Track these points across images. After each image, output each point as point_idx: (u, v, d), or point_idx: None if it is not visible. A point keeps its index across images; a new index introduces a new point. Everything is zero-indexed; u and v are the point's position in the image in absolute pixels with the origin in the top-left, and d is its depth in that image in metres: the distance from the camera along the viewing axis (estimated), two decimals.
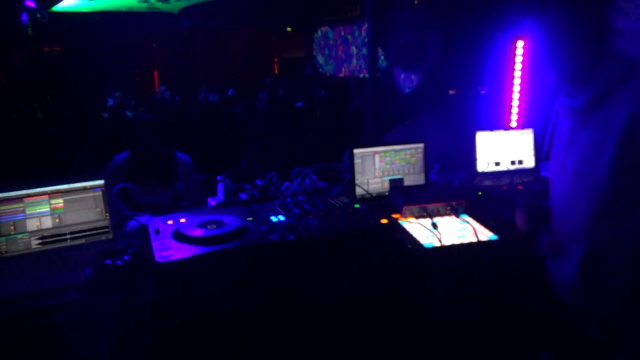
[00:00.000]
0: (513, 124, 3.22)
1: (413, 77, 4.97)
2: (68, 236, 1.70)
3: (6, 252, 1.62)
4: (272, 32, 12.65)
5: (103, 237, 1.74)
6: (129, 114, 7.25)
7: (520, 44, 3.24)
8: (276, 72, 12.75)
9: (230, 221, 1.66)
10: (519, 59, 3.25)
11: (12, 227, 1.64)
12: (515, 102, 3.27)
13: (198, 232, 1.56)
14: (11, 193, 1.66)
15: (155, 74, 12.36)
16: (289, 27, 11.67)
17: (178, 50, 11.90)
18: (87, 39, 10.55)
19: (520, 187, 2.02)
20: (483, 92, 4.63)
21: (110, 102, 8.35)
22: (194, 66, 12.17)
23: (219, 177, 2.04)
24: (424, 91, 4.33)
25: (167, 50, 12.16)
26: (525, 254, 1.58)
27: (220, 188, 2.02)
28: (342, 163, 2.39)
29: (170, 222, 1.72)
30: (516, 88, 3.27)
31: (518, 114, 3.21)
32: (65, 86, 9.16)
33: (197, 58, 12.37)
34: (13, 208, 1.66)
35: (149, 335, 1.40)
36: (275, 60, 12.94)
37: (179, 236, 1.57)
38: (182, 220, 1.72)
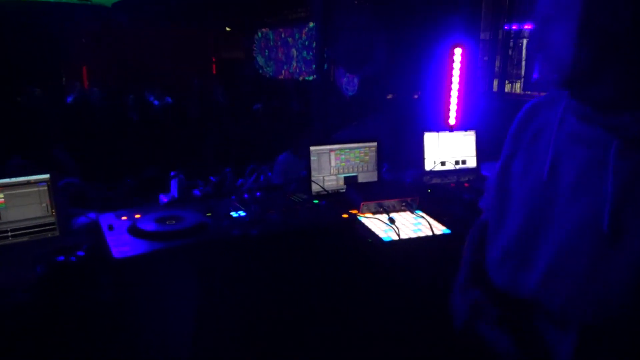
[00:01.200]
0: (451, 121, 3.39)
1: (355, 80, 5.09)
2: (10, 233, 1.58)
3: None
4: (210, 32, 12.41)
5: (49, 234, 1.63)
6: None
7: (458, 51, 3.43)
8: (214, 72, 12.52)
9: (190, 217, 1.62)
10: (456, 65, 3.45)
11: None
12: (453, 106, 3.46)
13: (157, 227, 1.51)
14: None
15: (84, 69, 11.71)
16: (228, 27, 11.51)
17: (109, 47, 11.35)
18: (9, 28, 9.80)
19: (466, 185, 2.13)
20: (416, 96, 4.85)
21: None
22: (125, 63, 11.65)
23: (172, 173, 1.98)
24: (367, 94, 4.45)
25: (97, 46, 11.56)
26: None
27: (174, 184, 1.96)
28: (274, 166, 2.38)
29: (124, 217, 1.66)
30: (454, 92, 3.46)
31: (456, 117, 3.39)
32: None
33: (129, 55, 11.85)
34: None
35: (108, 334, 1.33)
36: (214, 60, 12.71)
37: (136, 232, 1.51)
38: (137, 215, 1.66)
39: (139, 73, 10.81)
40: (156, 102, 7.01)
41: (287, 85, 8.78)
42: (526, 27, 4.89)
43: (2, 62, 9.09)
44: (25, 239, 1.60)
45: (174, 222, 1.57)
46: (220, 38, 12.53)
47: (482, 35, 4.58)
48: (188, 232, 1.52)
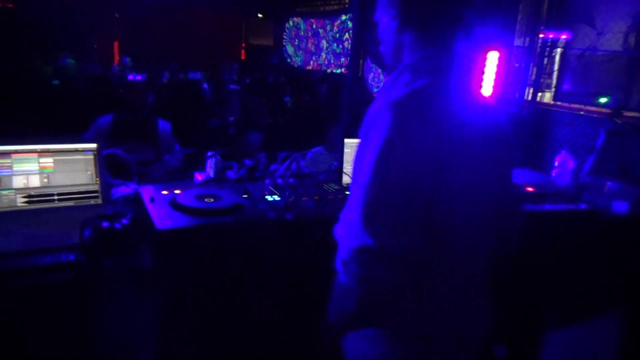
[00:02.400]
0: None
1: (381, 77, 5.09)
2: (56, 197, 1.66)
3: None
4: (242, 17, 12.46)
5: (92, 202, 1.71)
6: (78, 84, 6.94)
7: (492, 55, 3.42)
8: (242, 57, 12.59)
9: (227, 196, 1.68)
10: (490, 69, 3.43)
11: None
12: None
13: (197, 204, 1.57)
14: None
15: (116, 45, 11.86)
16: (260, 13, 11.55)
17: (141, 24, 11.47)
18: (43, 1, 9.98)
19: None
20: None
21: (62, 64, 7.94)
22: (157, 42, 11.77)
23: (209, 153, 2.04)
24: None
25: (129, 22, 11.69)
26: None
27: (210, 164, 2.02)
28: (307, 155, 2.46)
29: (165, 192, 1.72)
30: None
31: None
32: (17, 47, 8.63)
33: (161, 34, 11.98)
34: (0, 163, 1.59)
35: (145, 299, 1.40)
36: (243, 45, 12.77)
37: (177, 206, 1.57)
38: (177, 191, 1.72)
39: (169, 52, 10.92)
40: (205, 86, 7.08)
41: (315, 77, 8.80)
42: (562, 36, 4.83)
43: (40, 36, 9.29)
44: (70, 203, 1.68)
45: (212, 200, 1.63)
46: (251, 24, 12.57)
47: (516, 42, 4.54)
48: (226, 210, 1.57)
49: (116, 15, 12.04)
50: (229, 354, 1.59)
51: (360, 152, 1.00)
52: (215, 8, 11.57)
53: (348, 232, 0.96)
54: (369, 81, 5.21)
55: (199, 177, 2.05)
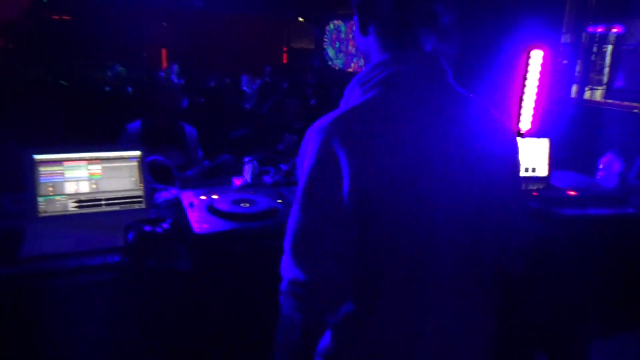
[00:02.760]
0: (523, 130, 3.30)
1: None
2: (103, 202, 1.76)
3: (45, 212, 1.68)
4: (283, 21, 12.63)
5: (136, 206, 1.80)
6: (129, 89, 7.26)
7: (536, 53, 3.32)
8: (284, 61, 12.77)
9: (262, 201, 1.73)
10: (533, 68, 3.34)
11: (50, 189, 1.70)
12: (526, 111, 3.36)
13: (232, 209, 1.63)
14: (52, 155, 1.71)
15: (163, 52, 12.32)
16: (301, 17, 11.67)
17: (187, 31, 11.86)
18: (97, 11, 10.49)
19: (535, 194, 2.10)
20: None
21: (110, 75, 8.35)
22: (201, 48, 12.13)
23: (246, 158, 2.10)
24: None
25: (176, 30, 12.11)
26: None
27: (247, 169, 2.08)
28: None
29: (203, 197, 1.79)
30: (529, 97, 3.36)
31: (532, 122, 3.29)
32: (72, 55, 9.11)
33: (205, 40, 12.32)
34: (53, 170, 1.71)
35: (182, 301, 1.47)
36: (285, 49, 12.95)
37: (214, 211, 1.63)
38: (215, 196, 1.79)
39: (214, 57, 11.23)
40: (245, 89, 7.27)
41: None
42: (613, 30, 4.63)
43: (88, 42, 9.76)
44: (116, 208, 1.78)
45: (248, 205, 1.69)
46: (292, 27, 12.73)
47: (562, 38, 4.38)
48: (261, 215, 1.62)
49: (164, 24, 12.51)
50: (263, 356, 1.64)
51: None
52: (257, 13, 11.81)
53: (285, 262, 0.92)
54: None
55: (236, 182, 2.12)
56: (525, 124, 3.33)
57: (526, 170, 2.45)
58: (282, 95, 5.55)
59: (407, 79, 0.91)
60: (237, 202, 1.69)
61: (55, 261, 1.41)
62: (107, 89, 7.22)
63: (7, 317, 1.30)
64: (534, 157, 2.48)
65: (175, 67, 9.22)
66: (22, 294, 1.33)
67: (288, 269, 0.90)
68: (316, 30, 11.41)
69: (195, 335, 1.50)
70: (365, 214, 0.85)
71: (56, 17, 11.25)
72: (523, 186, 2.26)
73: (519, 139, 2.44)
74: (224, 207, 1.63)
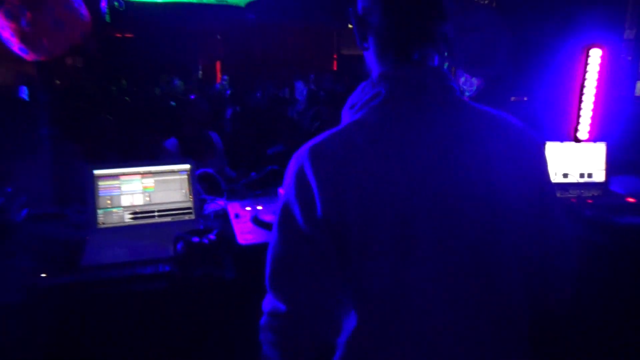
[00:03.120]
0: (582, 135, 3.15)
1: (474, 80, 4.92)
2: (156, 214, 1.86)
3: (103, 223, 1.79)
4: (332, 28, 12.73)
5: (186, 217, 1.89)
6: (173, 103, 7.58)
7: (595, 52, 3.17)
8: (335, 68, 12.85)
9: None
10: (592, 68, 3.18)
11: (109, 201, 1.82)
12: (586, 113, 3.20)
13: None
14: (110, 170, 1.83)
15: (218, 64, 12.75)
16: (351, 24, 11.71)
17: (241, 43, 12.21)
18: (157, 28, 11.02)
19: (590, 201, 2.00)
20: (525, 99, 4.54)
21: (165, 87, 8.77)
22: (254, 58, 12.45)
23: None
24: (486, 96, 4.30)
25: (230, 42, 12.50)
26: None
27: None
28: None
29: (248, 208, 1.85)
30: (587, 99, 3.20)
31: (590, 125, 3.14)
32: (135, 72, 9.64)
33: (258, 51, 12.64)
34: (111, 184, 1.83)
35: (227, 310, 1.52)
36: (335, 56, 13.04)
37: (258, 222, 1.68)
38: (259, 207, 1.84)
39: (266, 68, 11.50)
40: (299, 97, 7.41)
41: None
42: None
43: (149, 58, 10.28)
44: (168, 219, 1.87)
45: None
46: (342, 35, 12.80)
47: (625, 34, 4.14)
48: None
49: (218, 36, 12.96)
50: None
51: None
52: (307, 22, 11.97)
53: (266, 295, 0.88)
54: (460, 85, 5.07)
55: (282, 192, 2.17)
56: (583, 128, 3.18)
57: (581, 176, 2.34)
58: (320, 103, 5.60)
59: (399, 97, 0.86)
60: None
61: (111, 270, 1.51)
62: (173, 103, 7.48)
63: (67, 322, 1.41)
64: (589, 161, 2.36)
65: (226, 79, 9.52)
66: (81, 300, 1.43)
67: (267, 301, 0.88)
68: None
69: (240, 344, 1.55)
70: (344, 241, 0.81)
71: (119, 35, 11.93)
72: (575, 194, 2.16)
73: (572, 144, 2.33)
74: (267, 218, 1.67)
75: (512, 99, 4.57)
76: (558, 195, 1.00)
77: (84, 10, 2.80)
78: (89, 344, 1.42)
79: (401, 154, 0.82)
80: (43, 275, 1.45)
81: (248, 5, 9.56)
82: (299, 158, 0.85)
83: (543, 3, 3.90)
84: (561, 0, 3.74)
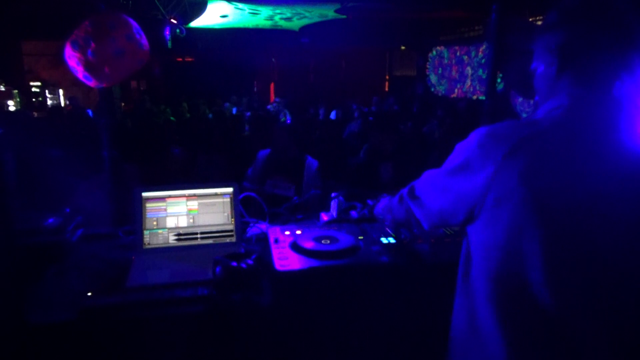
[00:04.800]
0: None
1: (531, 101, 4.74)
2: (199, 235, 1.91)
3: (149, 244, 1.86)
4: (385, 50, 12.78)
5: (227, 240, 1.92)
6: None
7: None
8: (386, 89, 12.85)
9: (344, 238, 1.74)
10: None
11: (155, 223, 1.88)
12: None
13: (313, 246, 1.67)
14: (157, 193, 1.91)
15: (272, 86, 13.10)
16: (403, 45, 11.71)
17: (295, 65, 12.51)
18: (215, 52, 11.53)
19: None
20: None
21: (234, 110, 9.09)
22: (308, 80, 12.69)
23: (333, 194, 2.14)
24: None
25: (284, 65, 12.83)
26: None
27: (334, 204, 2.12)
28: None
29: (287, 232, 1.85)
30: None
31: None
32: (197, 94, 10.08)
33: (311, 73, 12.88)
34: (157, 206, 1.90)
35: (263, 336, 1.52)
36: (387, 77, 13.05)
37: (296, 247, 1.68)
38: (299, 232, 1.85)
39: (319, 90, 11.67)
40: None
41: (460, 105, 8.56)
42: None
43: (208, 82, 10.72)
44: (210, 241, 1.91)
45: (329, 242, 1.71)
46: (394, 56, 12.81)
47: None
48: (340, 253, 1.64)
49: (273, 59, 13.34)
50: None
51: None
52: (359, 45, 12.10)
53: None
54: (518, 106, 4.91)
55: (324, 217, 2.17)
56: None
57: None
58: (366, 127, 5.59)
59: (589, 116, 1.02)
60: (318, 239, 1.73)
61: (153, 292, 1.55)
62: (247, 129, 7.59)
63: (109, 343, 1.45)
64: None
65: (280, 101, 9.75)
66: (124, 321, 1.48)
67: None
68: (418, 57, 11.36)
69: None
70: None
71: (180, 59, 12.56)
72: None
73: None
74: (305, 244, 1.67)
75: None
76: None
77: (145, 41, 2.96)
78: None
79: (582, 166, 0.97)
80: (89, 294, 1.51)
81: (302, 29, 9.81)
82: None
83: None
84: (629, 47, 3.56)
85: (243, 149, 4.91)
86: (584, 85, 1.06)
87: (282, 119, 7.97)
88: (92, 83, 2.90)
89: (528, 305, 0.97)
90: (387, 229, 1.89)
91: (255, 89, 13.22)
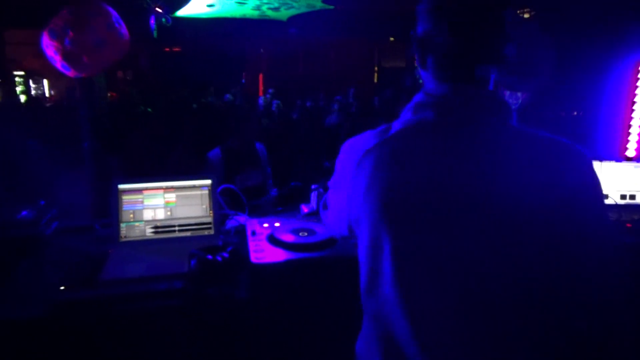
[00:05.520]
0: (631, 153, 2.97)
1: (519, 94, 4.76)
2: (177, 228, 1.89)
3: (125, 237, 1.84)
4: (374, 41, 12.72)
5: (206, 232, 1.91)
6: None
7: None
8: (375, 81, 12.82)
9: (321, 230, 1.73)
10: None
11: (131, 216, 1.86)
12: (636, 130, 3.02)
13: (290, 238, 1.66)
14: (134, 185, 1.88)
15: (260, 77, 13.00)
16: (392, 36, 11.67)
17: (283, 56, 12.41)
18: (203, 42, 11.39)
19: (629, 225, 1.87)
20: (575, 113, 4.33)
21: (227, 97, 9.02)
22: (296, 71, 12.62)
23: (313, 186, 2.13)
24: (534, 110, 4.14)
25: (272, 56, 12.73)
26: None
27: (314, 196, 2.11)
28: None
29: (265, 225, 1.84)
30: (638, 114, 3.03)
31: (638, 142, 2.96)
32: (184, 84, 9.95)
33: (299, 64, 12.81)
34: (134, 198, 1.87)
35: (239, 328, 1.51)
36: (375, 69, 13.01)
37: (273, 240, 1.67)
38: (277, 224, 1.83)
39: (307, 80, 11.61)
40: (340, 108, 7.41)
41: None
42: None
43: (196, 72, 10.62)
44: (188, 234, 1.90)
45: (306, 234, 1.70)
46: (383, 48, 12.77)
47: None
48: (317, 245, 1.63)
49: (261, 50, 13.23)
50: None
51: None
52: (348, 37, 12.03)
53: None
54: (506, 98, 4.92)
55: (305, 209, 2.16)
56: (632, 146, 3.00)
57: (622, 197, 2.19)
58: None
59: (455, 111, 0.90)
60: (296, 232, 1.72)
61: (127, 285, 1.53)
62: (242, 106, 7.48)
63: (81, 337, 1.44)
64: (632, 183, 2.21)
65: (271, 92, 9.68)
66: (97, 315, 1.46)
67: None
68: (407, 49, 11.33)
69: None
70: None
71: (167, 49, 12.40)
72: (614, 217, 2.02)
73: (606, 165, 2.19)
74: (281, 236, 1.66)
75: (563, 113, 4.40)
76: None
77: (124, 30, 2.91)
78: None
79: (441, 164, 0.87)
80: (62, 288, 1.49)
81: (290, 19, 9.71)
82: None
83: (593, 16, 3.74)
84: (612, 13, 3.58)
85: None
86: (450, 80, 0.94)
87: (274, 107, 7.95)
88: (70, 73, 2.84)
89: (386, 322, 0.89)
90: None
91: (243, 80, 13.10)
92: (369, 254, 0.93)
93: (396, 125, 0.96)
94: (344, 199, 1.00)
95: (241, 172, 2.87)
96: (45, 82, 10.82)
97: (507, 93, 5.02)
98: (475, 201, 0.84)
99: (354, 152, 0.98)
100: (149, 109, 7.31)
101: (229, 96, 9.45)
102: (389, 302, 0.87)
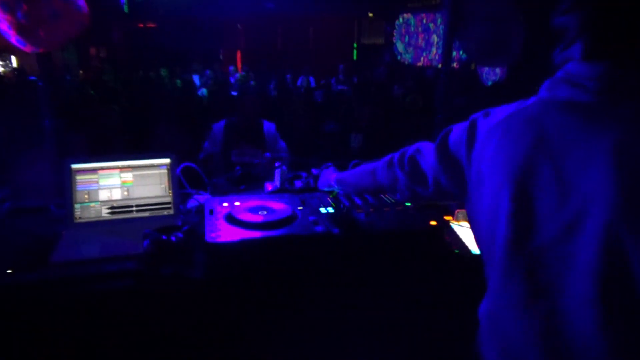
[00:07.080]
0: None
1: (497, 69, 4.75)
2: (134, 208, 1.84)
3: (80, 218, 1.79)
4: (353, 18, 12.56)
5: (165, 212, 1.87)
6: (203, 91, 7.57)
7: None
8: (354, 58, 12.69)
9: (280, 209, 1.71)
10: None
11: (86, 196, 1.80)
12: None
13: (247, 217, 1.63)
14: (88, 164, 1.82)
15: (238, 53, 12.76)
16: (371, 13, 11.53)
17: (260, 32, 12.19)
18: (178, 17, 11.10)
19: None
20: None
21: (196, 79, 8.83)
22: (274, 48, 12.42)
23: (277, 164, 2.10)
24: (513, 84, 4.15)
25: (250, 32, 12.49)
26: None
27: (277, 174, 2.07)
28: None
29: (225, 204, 1.80)
30: None
31: None
32: (159, 60, 9.71)
33: (277, 40, 12.60)
34: (88, 178, 1.82)
35: (195, 309, 1.49)
36: (355, 46, 12.87)
37: (230, 219, 1.64)
38: (237, 203, 1.80)
39: (286, 57, 11.44)
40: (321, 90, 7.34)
41: (428, 73, 8.54)
42: None
43: (171, 48, 10.35)
44: (146, 214, 1.85)
45: (265, 212, 1.68)
46: (362, 24, 12.62)
47: None
48: (275, 224, 1.60)
49: (238, 26, 12.96)
50: None
51: None
52: (327, 13, 11.84)
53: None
54: (484, 74, 4.91)
55: (269, 187, 2.13)
56: None
57: None
58: None
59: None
60: (254, 210, 1.69)
61: (79, 267, 1.49)
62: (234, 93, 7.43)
63: (29, 321, 1.40)
64: None
65: (247, 70, 9.52)
66: (47, 298, 1.42)
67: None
68: (386, 26, 11.22)
69: (205, 344, 1.52)
70: None
71: (141, 25, 12.06)
72: None
73: None
74: (239, 215, 1.63)
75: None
76: None
77: (82, 2, 2.79)
78: (49, 345, 1.41)
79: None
80: (9, 271, 1.44)
81: None
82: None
83: None
84: None
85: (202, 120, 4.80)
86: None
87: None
88: (27, 48, 2.72)
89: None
90: (328, 198, 1.86)
91: (221, 57, 12.85)
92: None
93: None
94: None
95: (238, 148, 2.89)
96: (13, 58, 10.45)
97: (486, 69, 5.01)
98: None
99: (488, 116, 1.00)
100: (121, 87, 7.13)
101: (209, 72, 9.27)
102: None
